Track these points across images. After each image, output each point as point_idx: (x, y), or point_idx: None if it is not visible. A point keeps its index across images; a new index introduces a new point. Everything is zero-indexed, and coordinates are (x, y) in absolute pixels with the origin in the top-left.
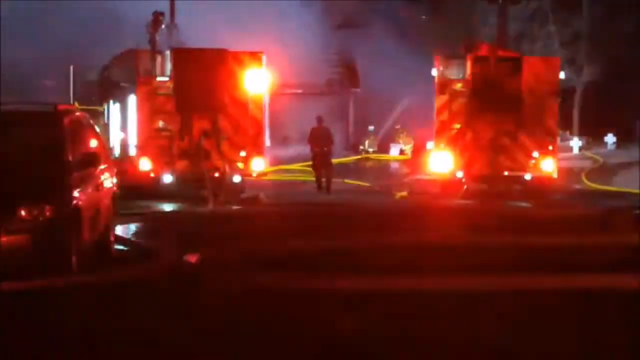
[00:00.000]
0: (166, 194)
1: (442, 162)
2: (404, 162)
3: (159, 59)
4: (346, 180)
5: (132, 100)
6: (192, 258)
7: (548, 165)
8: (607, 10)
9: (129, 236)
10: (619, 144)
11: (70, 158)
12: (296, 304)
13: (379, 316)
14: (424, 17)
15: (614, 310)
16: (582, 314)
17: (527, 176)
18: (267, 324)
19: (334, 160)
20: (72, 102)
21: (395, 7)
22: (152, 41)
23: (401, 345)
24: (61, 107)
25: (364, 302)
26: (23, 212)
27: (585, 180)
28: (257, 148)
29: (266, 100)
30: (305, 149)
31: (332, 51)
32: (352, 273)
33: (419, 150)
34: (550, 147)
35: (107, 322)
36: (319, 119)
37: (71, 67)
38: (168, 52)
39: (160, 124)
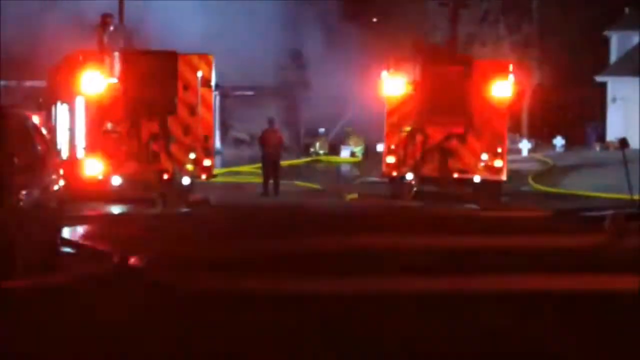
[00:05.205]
0: (114, 196)
1: (390, 164)
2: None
3: (107, 60)
4: (297, 183)
5: (80, 102)
6: (138, 260)
7: (497, 168)
8: (557, 15)
9: (76, 239)
10: (567, 146)
11: (15, 160)
12: (234, 305)
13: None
14: (375, 19)
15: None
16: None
17: (477, 178)
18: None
19: (285, 163)
20: None
21: (347, 10)
22: (100, 43)
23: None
24: (6, 108)
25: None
26: None
27: (532, 183)
28: (206, 150)
29: (216, 102)
30: (256, 151)
31: (284, 53)
32: (290, 275)
33: None
34: (500, 150)
35: (45, 324)
36: (271, 121)
37: None
38: (117, 54)
39: (109, 125)
